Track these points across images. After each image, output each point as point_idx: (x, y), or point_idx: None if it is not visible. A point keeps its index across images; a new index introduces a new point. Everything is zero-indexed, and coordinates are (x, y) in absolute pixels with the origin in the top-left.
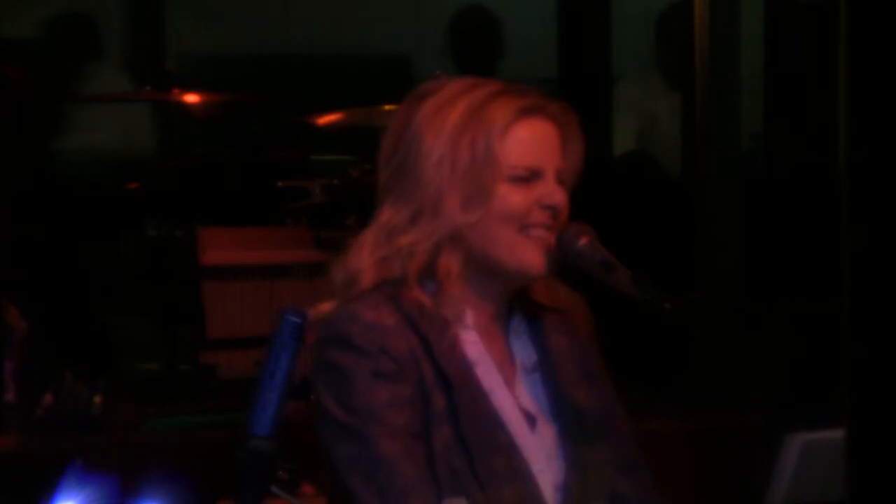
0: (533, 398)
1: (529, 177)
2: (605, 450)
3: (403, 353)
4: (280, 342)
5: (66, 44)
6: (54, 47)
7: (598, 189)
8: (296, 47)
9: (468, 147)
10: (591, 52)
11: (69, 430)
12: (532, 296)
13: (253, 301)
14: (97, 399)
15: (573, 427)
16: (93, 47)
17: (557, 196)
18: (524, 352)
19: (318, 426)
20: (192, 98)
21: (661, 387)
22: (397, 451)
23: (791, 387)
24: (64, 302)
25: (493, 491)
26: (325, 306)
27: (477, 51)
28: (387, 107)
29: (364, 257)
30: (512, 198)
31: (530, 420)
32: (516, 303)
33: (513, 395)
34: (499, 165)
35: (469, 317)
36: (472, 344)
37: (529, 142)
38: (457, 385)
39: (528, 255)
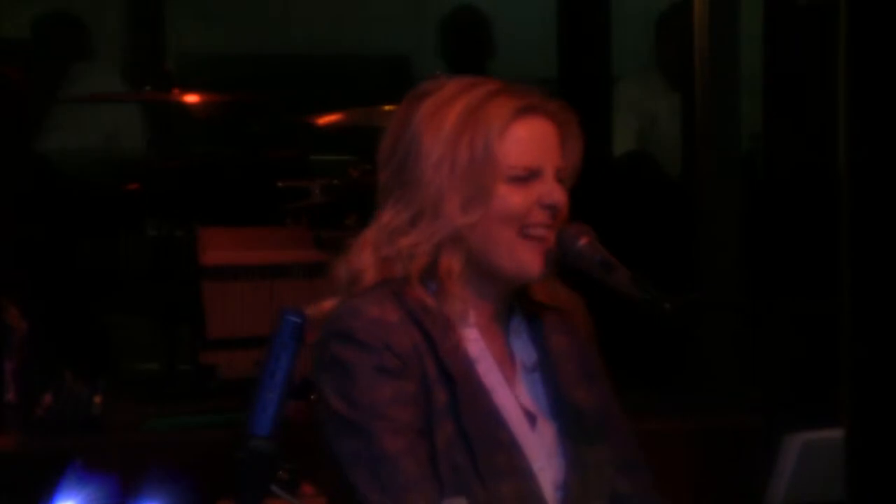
0: (533, 397)
1: (529, 176)
2: (605, 450)
3: (407, 349)
4: (280, 342)
5: (52, 43)
6: (40, 47)
7: (597, 189)
8: (296, 47)
9: (467, 147)
10: (591, 52)
11: (69, 430)
12: (532, 295)
13: (253, 301)
14: (97, 399)
15: (573, 427)
16: (81, 47)
17: (557, 195)
18: (524, 351)
19: (319, 421)
20: (192, 98)
21: (661, 387)
22: (400, 447)
23: (791, 387)
24: (64, 302)
25: (494, 487)
26: (327, 304)
27: (467, 50)
28: (387, 107)
29: (366, 256)
30: (512, 198)
31: (530, 418)
32: (516, 302)
33: (513, 394)
34: (498, 165)
35: (471, 316)
36: (474, 342)
37: (528, 141)
38: (459, 381)
39: (526, 258)
